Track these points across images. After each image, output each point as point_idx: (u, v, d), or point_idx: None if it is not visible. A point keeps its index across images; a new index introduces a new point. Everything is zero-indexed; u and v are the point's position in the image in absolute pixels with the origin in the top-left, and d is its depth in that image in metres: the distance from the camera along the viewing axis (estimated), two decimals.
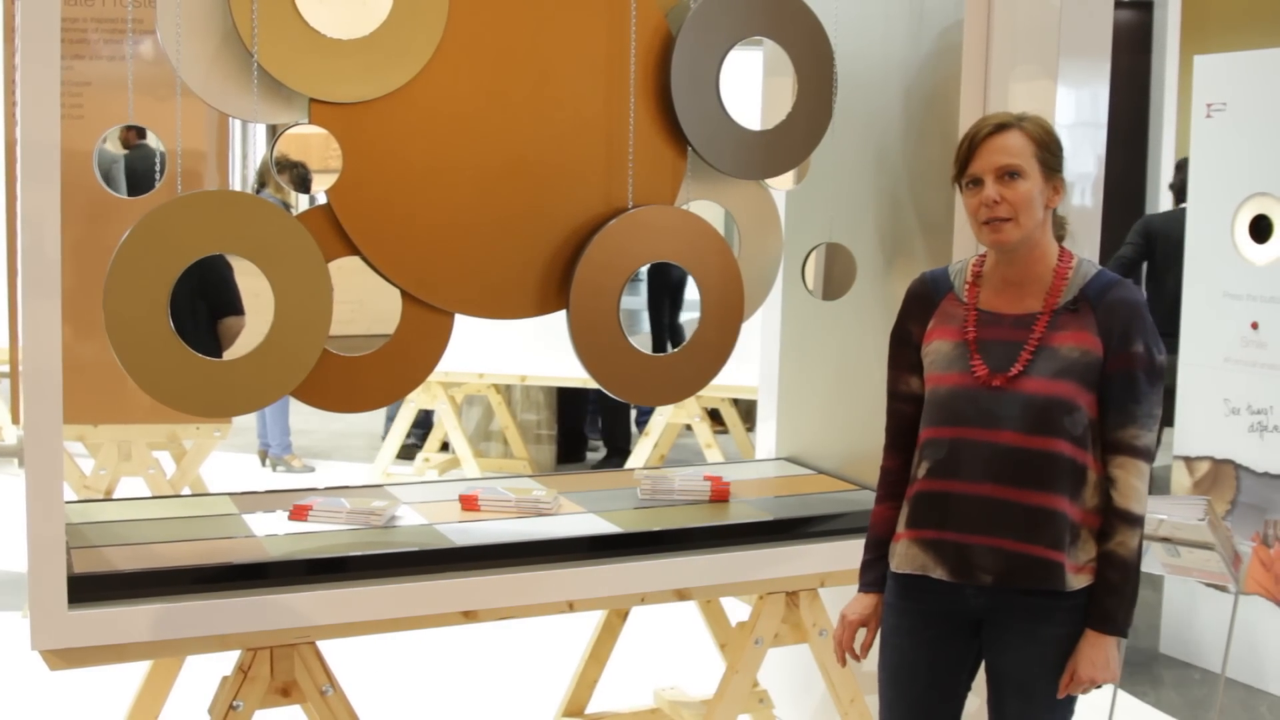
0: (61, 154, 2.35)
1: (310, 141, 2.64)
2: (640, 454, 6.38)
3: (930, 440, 2.34)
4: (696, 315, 3.06)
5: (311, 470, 7.25)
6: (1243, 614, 3.90)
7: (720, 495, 3.20)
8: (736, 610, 3.46)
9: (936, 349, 2.36)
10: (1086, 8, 3.05)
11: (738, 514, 3.11)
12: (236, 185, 8.55)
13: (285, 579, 2.58)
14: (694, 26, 2.92)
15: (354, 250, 2.72)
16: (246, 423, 7.43)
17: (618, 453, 7.19)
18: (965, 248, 3.04)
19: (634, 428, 7.58)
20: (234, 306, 2.71)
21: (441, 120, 2.77)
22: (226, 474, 6.38)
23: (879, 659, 2.44)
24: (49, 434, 2.37)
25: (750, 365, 3.94)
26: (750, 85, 3.34)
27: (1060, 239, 2.36)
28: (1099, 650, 2.25)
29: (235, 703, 2.56)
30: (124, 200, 2.74)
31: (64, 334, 2.37)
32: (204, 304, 3.74)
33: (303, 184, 2.65)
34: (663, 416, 6.34)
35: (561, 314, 2.92)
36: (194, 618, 2.47)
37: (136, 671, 2.98)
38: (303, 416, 7.53)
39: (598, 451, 7.54)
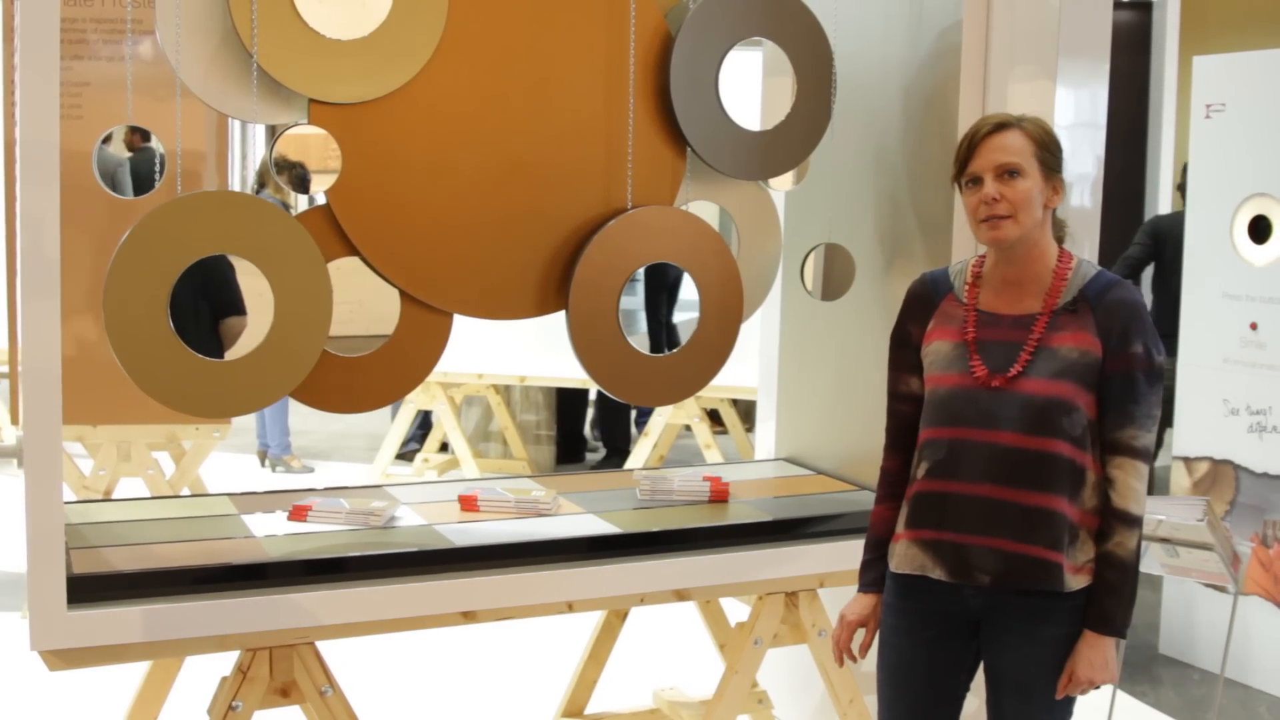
0: (60, 154, 2.35)
1: (309, 142, 2.64)
2: (639, 454, 6.38)
3: (929, 440, 2.34)
4: (694, 315, 3.06)
5: (311, 471, 7.25)
6: (1242, 614, 3.91)
7: (719, 496, 3.20)
8: (736, 611, 3.46)
9: (936, 349, 2.36)
10: (1085, 8, 3.05)
11: (737, 514, 3.11)
12: (236, 186, 8.56)
13: (284, 579, 2.59)
14: (693, 27, 2.92)
15: (353, 251, 2.72)
16: (246, 423, 7.43)
17: (617, 453, 7.19)
18: (964, 248, 3.04)
19: (633, 428, 7.58)
20: (236, 307, 2.72)
21: (441, 120, 2.77)
22: (226, 474, 6.38)
23: (878, 659, 2.44)
24: (48, 434, 2.37)
25: (749, 366, 3.94)
26: (749, 86, 3.34)
27: (1060, 240, 2.37)
28: (1097, 651, 2.25)
29: (234, 703, 2.56)
30: (123, 201, 2.74)
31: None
32: (206, 304, 3.73)
33: (302, 184, 2.65)
34: (662, 417, 6.34)
35: (561, 314, 2.93)
36: (193, 618, 2.47)
37: (136, 672, 2.98)
38: (302, 417, 7.53)
39: (597, 452, 7.54)
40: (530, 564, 2.78)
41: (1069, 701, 2.32)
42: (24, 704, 3.96)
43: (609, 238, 2.90)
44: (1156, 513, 3.30)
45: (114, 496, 4.67)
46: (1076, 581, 2.26)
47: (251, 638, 2.55)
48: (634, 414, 7.63)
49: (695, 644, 4.00)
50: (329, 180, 2.65)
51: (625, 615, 3.55)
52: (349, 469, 7.34)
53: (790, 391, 3.74)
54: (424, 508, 3.04)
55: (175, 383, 2.54)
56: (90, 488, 4.65)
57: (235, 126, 7.88)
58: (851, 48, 3.18)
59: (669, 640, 4.48)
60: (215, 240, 2.55)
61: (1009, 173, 2.24)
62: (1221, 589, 3.87)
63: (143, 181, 2.60)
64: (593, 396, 7.64)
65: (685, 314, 6.80)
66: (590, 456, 7.54)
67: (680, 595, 2.95)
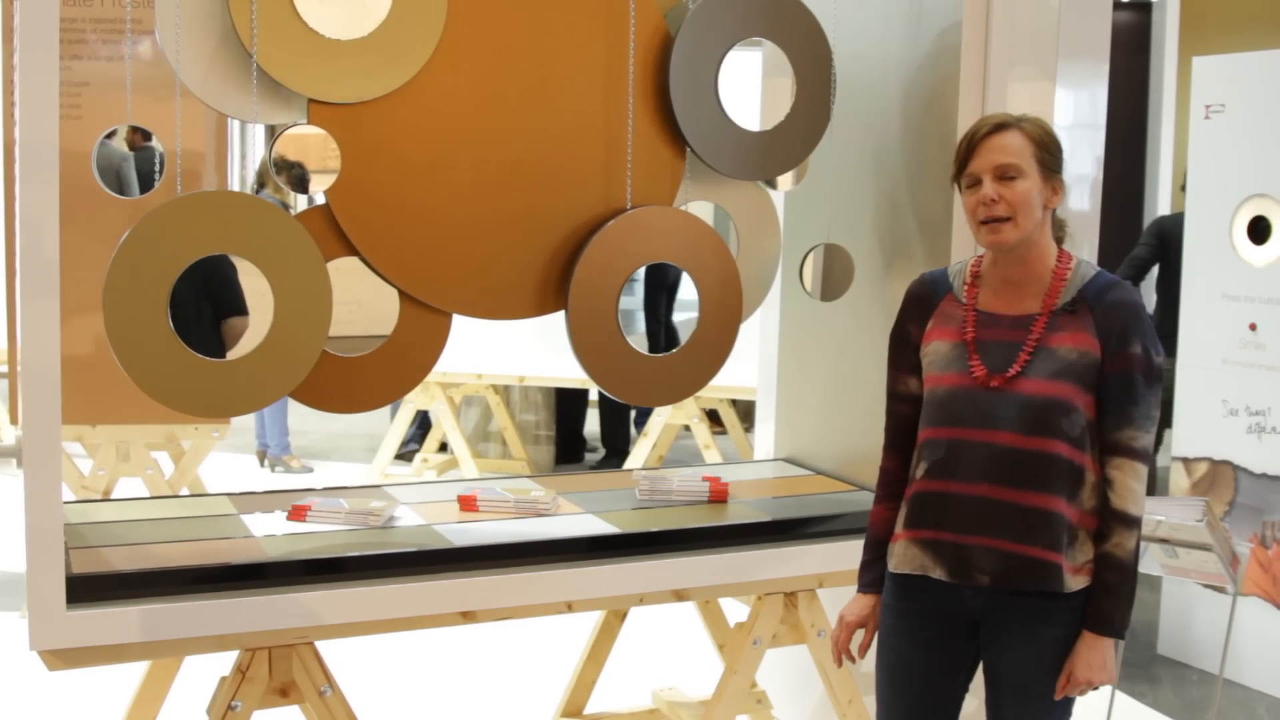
0: (60, 154, 2.35)
1: (309, 142, 2.64)
2: (639, 455, 6.38)
3: (928, 441, 2.34)
4: (693, 315, 3.07)
5: (310, 471, 7.25)
6: (1240, 615, 3.91)
7: (719, 496, 3.20)
8: (735, 611, 3.46)
9: (935, 349, 2.36)
10: (1085, 9, 3.05)
11: (736, 515, 3.11)
12: (235, 186, 8.56)
13: (284, 579, 2.59)
14: (693, 27, 2.92)
15: (352, 251, 2.72)
16: (245, 423, 7.43)
17: (616, 453, 7.19)
18: (964, 249, 3.04)
19: (633, 428, 7.58)
20: (239, 307, 2.72)
21: (440, 120, 2.77)
22: (225, 474, 6.38)
23: (877, 659, 2.44)
24: (47, 434, 2.37)
25: (749, 366, 3.94)
26: (749, 86, 3.34)
27: (1059, 241, 2.36)
28: (1096, 652, 2.25)
29: (234, 703, 2.56)
30: (123, 201, 2.74)
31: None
32: (209, 304, 3.74)
33: (301, 184, 2.65)
34: (661, 417, 6.34)
35: (560, 314, 2.93)
36: (192, 618, 2.47)
37: (135, 672, 2.98)
38: (301, 417, 7.53)
39: (596, 452, 7.54)
40: (529, 564, 2.78)
41: (1068, 702, 2.32)
42: (24, 704, 3.96)
43: (608, 238, 2.90)
44: (1155, 513, 3.30)
45: (113, 496, 4.67)
46: (1076, 582, 2.26)
47: (250, 637, 2.55)
48: (633, 414, 7.63)
49: (694, 644, 4.00)
50: (328, 180, 2.65)
51: (624, 615, 3.55)
52: (348, 469, 7.34)
53: (789, 392, 3.74)
54: (423, 508, 3.04)
55: (174, 383, 2.54)
56: (89, 488, 4.65)
57: (235, 126, 7.88)
58: (851, 48, 3.18)
59: (668, 640, 4.48)
60: (215, 240, 2.55)
61: (1008, 174, 2.24)
62: (1220, 590, 3.87)
63: (143, 181, 2.60)
64: (593, 397, 7.64)
65: (685, 314, 6.81)
66: (589, 457, 7.55)
67: (679, 595, 2.95)
